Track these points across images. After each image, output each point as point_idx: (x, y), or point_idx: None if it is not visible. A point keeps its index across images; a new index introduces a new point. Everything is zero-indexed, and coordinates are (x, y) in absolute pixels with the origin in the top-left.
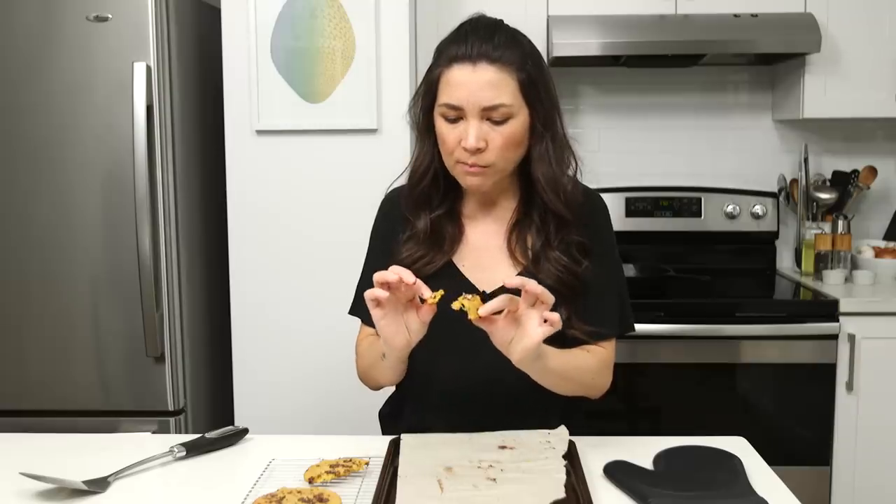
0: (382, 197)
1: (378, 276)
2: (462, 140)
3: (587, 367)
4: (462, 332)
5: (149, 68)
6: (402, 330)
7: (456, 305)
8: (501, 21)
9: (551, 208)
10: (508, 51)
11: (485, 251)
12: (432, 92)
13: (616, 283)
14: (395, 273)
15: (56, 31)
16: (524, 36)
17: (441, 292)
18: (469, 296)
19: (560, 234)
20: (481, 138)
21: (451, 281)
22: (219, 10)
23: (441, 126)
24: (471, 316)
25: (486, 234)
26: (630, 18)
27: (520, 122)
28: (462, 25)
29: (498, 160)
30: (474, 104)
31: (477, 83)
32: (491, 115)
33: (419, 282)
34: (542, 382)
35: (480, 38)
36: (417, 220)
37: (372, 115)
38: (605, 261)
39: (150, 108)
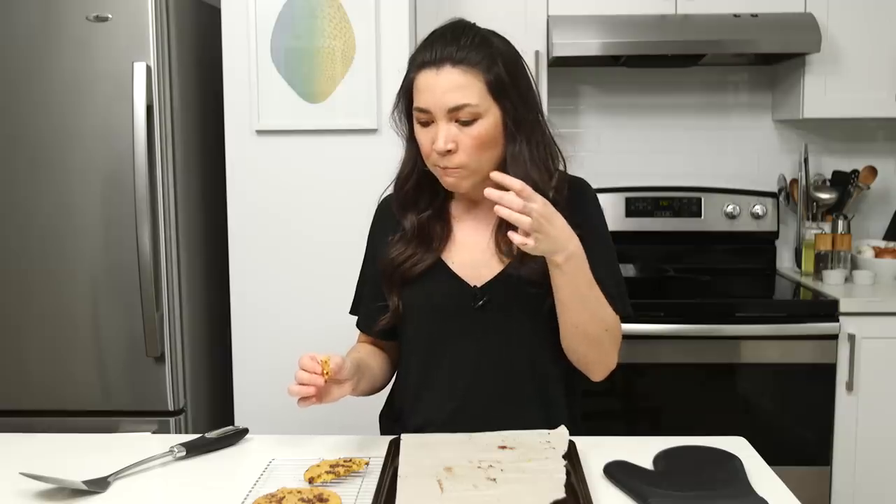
0: (380, 200)
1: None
2: (434, 143)
3: (606, 312)
4: (461, 335)
5: (149, 68)
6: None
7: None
8: (473, 24)
9: None
10: (473, 52)
11: (473, 248)
12: (408, 98)
13: (609, 268)
14: (309, 380)
15: (56, 31)
16: (499, 37)
17: (326, 358)
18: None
19: None
20: (450, 140)
21: (441, 278)
22: (219, 10)
23: (417, 130)
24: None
25: (474, 231)
26: (630, 18)
27: (490, 123)
28: (432, 32)
29: (470, 161)
30: (440, 107)
31: (441, 87)
32: (458, 115)
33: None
34: (562, 298)
35: (445, 43)
36: (405, 220)
37: (372, 115)
38: (596, 247)
39: (150, 108)
